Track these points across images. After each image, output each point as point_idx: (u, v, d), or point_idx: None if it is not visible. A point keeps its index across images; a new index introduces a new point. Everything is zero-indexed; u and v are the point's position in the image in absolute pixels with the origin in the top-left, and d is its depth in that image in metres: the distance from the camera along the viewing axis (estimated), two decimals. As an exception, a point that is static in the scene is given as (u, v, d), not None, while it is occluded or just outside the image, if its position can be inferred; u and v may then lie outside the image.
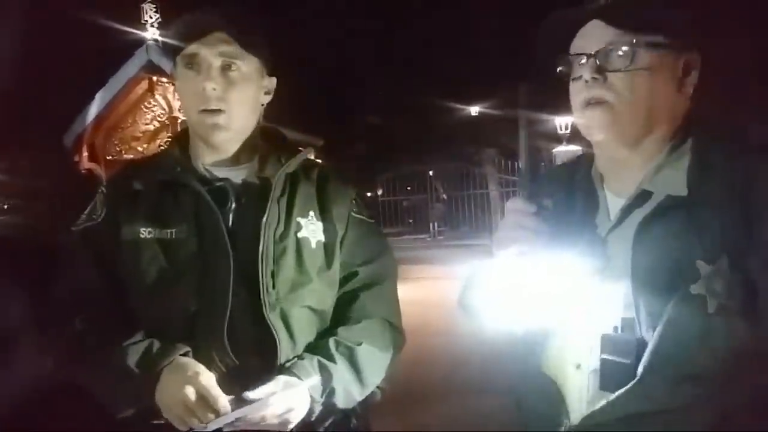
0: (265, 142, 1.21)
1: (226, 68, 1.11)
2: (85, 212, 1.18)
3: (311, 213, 1.17)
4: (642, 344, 0.86)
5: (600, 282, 0.91)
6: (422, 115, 17.00)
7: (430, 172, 20.02)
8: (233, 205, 1.13)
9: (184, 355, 1.05)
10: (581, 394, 0.92)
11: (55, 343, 1.14)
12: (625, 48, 0.87)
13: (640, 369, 0.85)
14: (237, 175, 1.16)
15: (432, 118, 17.05)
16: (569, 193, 0.99)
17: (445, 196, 18.60)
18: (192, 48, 1.10)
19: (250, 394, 1.01)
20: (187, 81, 1.12)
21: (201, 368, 1.02)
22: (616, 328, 0.89)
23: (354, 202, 1.23)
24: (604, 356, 0.89)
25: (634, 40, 0.87)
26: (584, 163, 1.00)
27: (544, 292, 0.90)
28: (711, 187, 0.85)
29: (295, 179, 1.19)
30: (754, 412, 0.82)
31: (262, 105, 1.20)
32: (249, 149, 1.18)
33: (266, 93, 1.20)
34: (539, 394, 0.95)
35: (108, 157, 9.95)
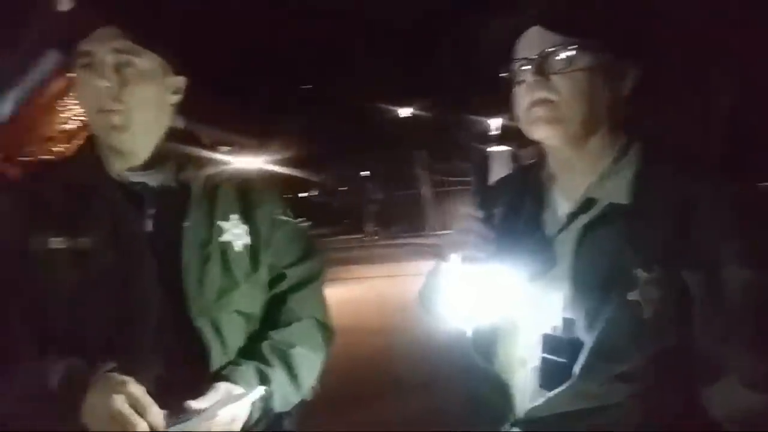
0: (182, 145, 1.15)
1: (121, 66, 1.04)
2: None
3: (234, 216, 1.13)
4: (580, 345, 0.90)
5: (545, 283, 0.95)
6: (354, 117, 17.04)
7: (363, 173, 20.12)
8: (151, 211, 1.08)
9: (109, 371, 0.98)
10: (525, 389, 0.95)
11: None
12: (564, 51, 0.92)
13: (576, 369, 0.89)
14: (153, 180, 1.10)
15: (364, 119, 17.12)
16: (521, 197, 1.03)
17: (378, 197, 18.74)
18: (84, 45, 1.03)
19: (193, 404, 0.97)
20: (83, 80, 1.04)
21: (128, 379, 0.96)
22: (555, 328, 0.92)
23: (277, 202, 1.20)
24: (545, 354, 0.93)
25: (572, 44, 0.92)
26: (537, 166, 1.04)
27: (490, 293, 0.94)
28: (652, 198, 0.89)
29: (216, 182, 1.14)
30: (683, 409, 0.87)
31: (171, 105, 1.13)
32: (163, 152, 1.12)
33: (173, 93, 1.12)
34: (490, 388, 0.99)
35: (21, 158, 9.41)
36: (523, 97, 0.95)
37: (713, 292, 0.84)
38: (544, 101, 0.93)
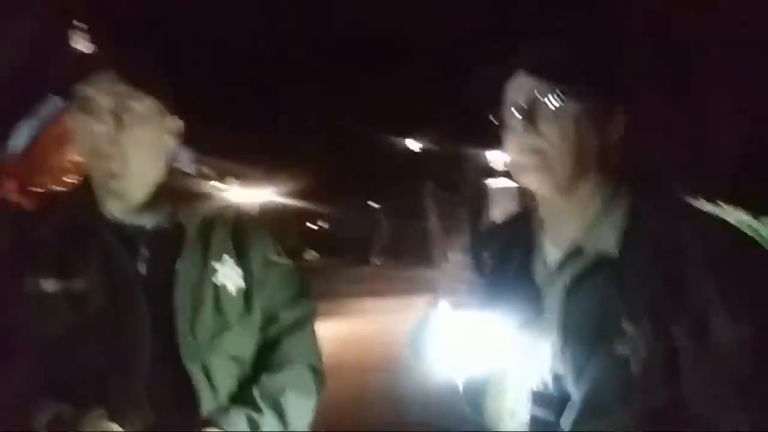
0: (178, 186, 1.16)
1: (118, 109, 1.04)
2: None
3: (228, 257, 1.13)
4: (568, 400, 0.88)
5: (535, 332, 0.93)
6: (364, 148, 17.15)
7: (373, 204, 20.17)
8: (145, 254, 1.08)
9: (99, 416, 0.98)
10: None
11: None
12: (551, 98, 0.92)
13: (564, 425, 0.87)
14: (149, 221, 1.11)
15: (374, 150, 17.23)
16: (511, 245, 1.02)
17: (386, 228, 18.74)
18: (82, 89, 1.05)
19: None
20: (80, 124, 1.05)
21: (116, 427, 0.97)
22: (545, 384, 0.91)
23: (271, 244, 1.20)
24: (533, 410, 0.91)
25: (558, 91, 0.92)
26: (527, 214, 1.04)
27: (479, 341, 0.93)
28: (640, 249, 0.87)
29: (211, 224, 1.14)
30: None
31: (169, 147, 1.14)
32: (160, 194, 1.12)
33: (171, 134, 1.13)
34: None
35: (33, 189, 9.54)
36: (512, 143, 0.95)
37: (702, 346, 0.82)
38: (533, 149, 0.93)
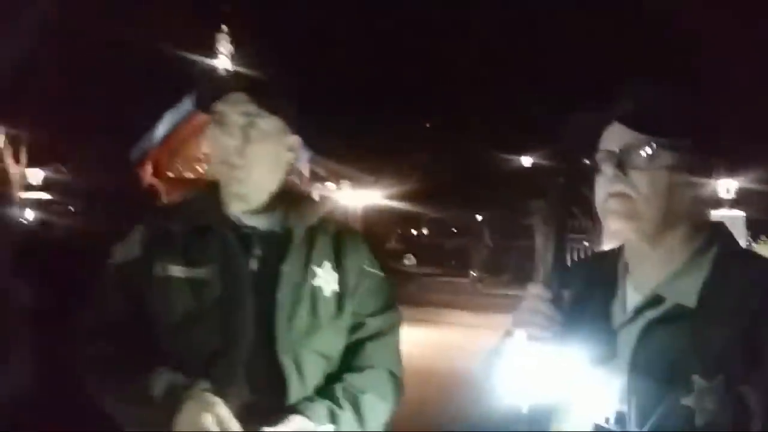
0: (291, 196, 1.29)
1: (247, 126, 1.19)
2: (121, 247, 1.25)
3: (327, 264, 1.24)
4: None
5: (605, 372, 0.95)
6: (474, 161, 17.05)
7: (479, 217, 19.96)
8: (257, 252, 1.21)
9: (205, 390, 1.10)
10: None
11: (82, 365, 1.22)
12: (645, 148, 0.93)
13: None
14: (263, 224, 1.24)
15: (484, 164, 17.08)
16: (592, 283, 1.03)
17: (490, 243, 18.47)
18: (219, 106, 1.20)
19: (267, 430, 1.08)
20: (213, 135, 1.21)
21: (219, 400, 1.08)
22: (608, 420, 0.93)
23: (367, 256, 1.31)
24: None
25: (654, 142, 0.93)
26: (613, 254, 1.05)
27: (549, 373, 0.94)
28: (721, 305, 0.88)
29: (315, 232, 1.26)
30: None
31: (286, 161, 1.26)
32: (274, 201, 1.25)
33: (289, 150, 1.26)
34: None
35: (169, 175, 10.43)
36: (602, 188, 0.97)
37: None
38: (622, 195, 0.94)
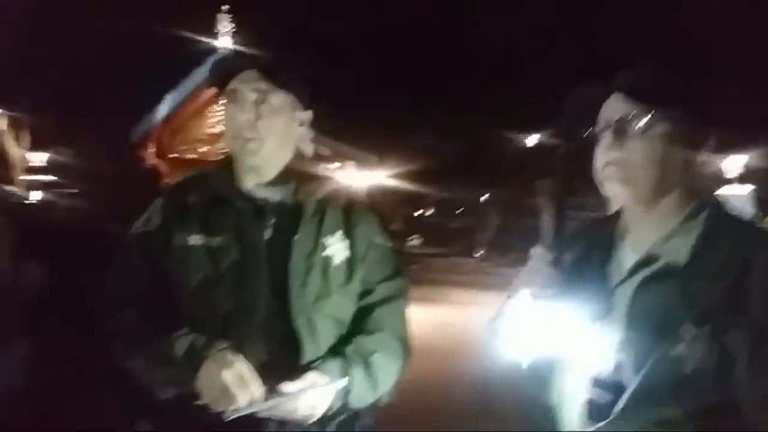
0: (301, 169, 1.34)
1: (259, 102, 1.24)
2: (142, 218, 1.32)
3: (337, 234, 1.30)
4: (624, 387, 0.96)
5: (602, 326, 1.01)
6: (480, 139, 16.95)
7: (483, 197, 19.92)
8: (271, 222, 1.27)
9: (223, 349, 1.17)
10: (572, 421, 1.03)
11: (108, 330, 1.28)
12: (641, 118, 0.99)
13: (616, 408, 0.96)
14: (275, 196, 1.29)
15: (490, 143, 16.99)
16: (592, 246, 1.09)
17: (495, 223, 18.44)
18: (232, 84, 1.26)
19: (286, 387, 1.14)
20: (227, 111, 1.27)
21: (238, 357, 1.15)
22: (605, 369, 1.00)
23: (376, 226, 1.36)
24: (591, 393, 1.00)
25: (651, 112, 0.98)
26: (612, 220, 1.11)
27: (551, 329, 1.01)
28: (709, 262, 0.94)
29: (325, 203, 1.31)
30: None
31: (297, 134, 1.33)
32: (286, 174, 1.31)
33: (300, 125, 1.32)
34: (540, 417, 1.06)
35: (171, 155, 10.42)
36: (601, 155, 1.03)
37: (756, 355, 0.88)
38: (617, 162, 1.00)
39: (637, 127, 0.99)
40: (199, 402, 1.15)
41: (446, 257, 17.17)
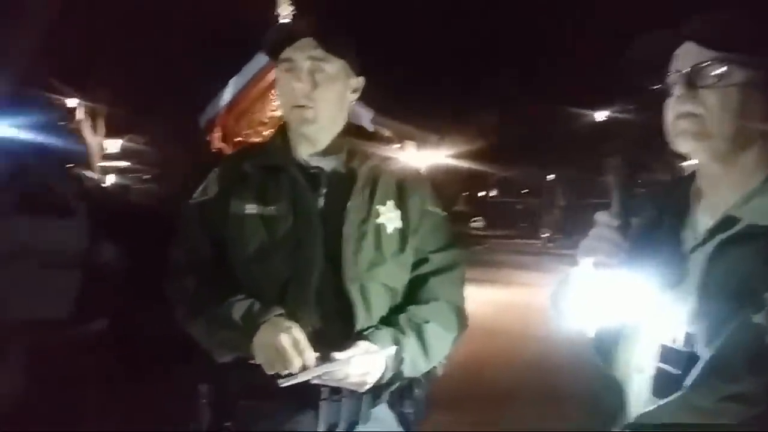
0: (355, 137, 1.34)
1: (314, 70, 1.25)
2: (200, 188, 1.34)
3: (390, 202, 1.29)
4: (696, 359, 0.90)
5: (673, 295, 0.95)
6: (546, 117, 16.50)
7: (549, 177, 19.40)
8: (324, 191, 1.27)
9: (279, 315, 1.19)
10: (639, 395, 0.97)
11: (171, 297, 1.32)
12: (715, 66, 0.91)
13: (687, 381, 0.89)
14: (328, 165, 1.30)
15: (556, 120, 16.51)
16: (664, 211, 1.02)
17: (563, 203, 17.95)
18: (286, 53, 1.27)
19: (337, 354, 1.14)
20: (283, 81, 1.28)
21: (293, 324, 1.16)
22: (676, 340, 0.93)
23: (428, 195, 1.34)
24: (660, 364, 0.94)
25: (725, 59, 0.91)
26: (686, 181, 1.04)
27: (617, 299, 0.96)
28: None
29: (378, 171, 1.31)
30: None
31: (351, 102, 1.33)
32: (339, 142, 1.31)
33: (353, 92, 1.33)
34: (606, 390, 1.02)
35: (236, 139, 10.71)
36: (672, 109, 0.95)
37: None
38: (690, 115, 0.93)
39: (711, 77, 0.91)
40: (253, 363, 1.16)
41: (510, 239, 16.91)
